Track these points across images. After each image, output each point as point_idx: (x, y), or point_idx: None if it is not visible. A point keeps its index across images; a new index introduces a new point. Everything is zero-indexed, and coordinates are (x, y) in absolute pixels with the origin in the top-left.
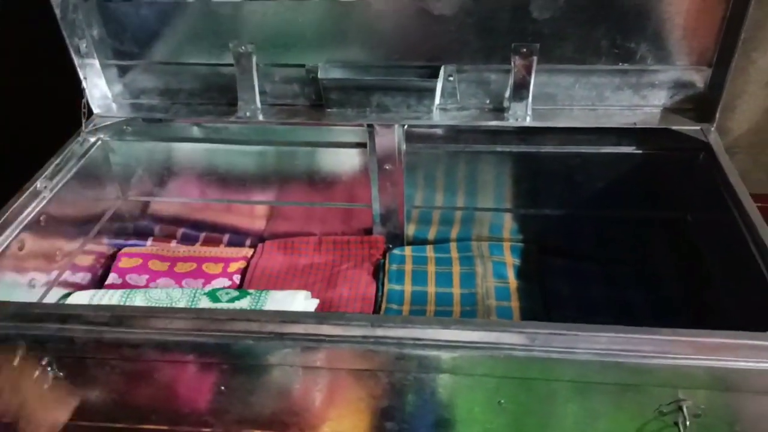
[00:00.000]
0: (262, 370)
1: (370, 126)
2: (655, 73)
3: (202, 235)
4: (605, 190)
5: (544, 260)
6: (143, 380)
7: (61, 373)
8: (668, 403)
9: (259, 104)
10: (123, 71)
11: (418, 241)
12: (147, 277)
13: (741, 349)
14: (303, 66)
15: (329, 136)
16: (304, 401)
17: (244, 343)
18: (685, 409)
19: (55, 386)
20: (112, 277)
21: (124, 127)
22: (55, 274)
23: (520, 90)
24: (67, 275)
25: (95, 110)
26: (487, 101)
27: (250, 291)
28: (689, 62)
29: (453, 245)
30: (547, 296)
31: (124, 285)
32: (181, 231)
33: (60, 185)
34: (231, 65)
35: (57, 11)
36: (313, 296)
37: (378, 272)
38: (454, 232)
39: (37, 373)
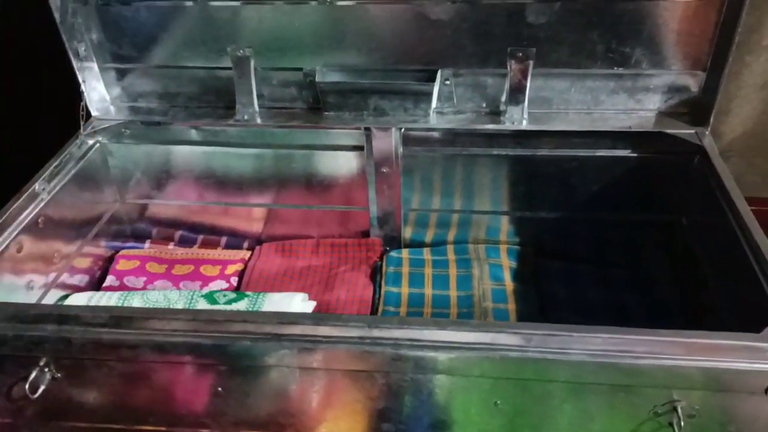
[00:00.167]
0: (260, 372)
1: (367, 129)
2: (650, 77)
3: (200, 237)
4: (601, 193)
5: (541, 263)
6: (141, 381)
7: (59, 375)
8: (663, 404)
9: (257, 107)
10: (121, 74)
11: (415, 244)
12: (144, 279)
13: (735, 350)
14: (300, 69)
15: (326, 139)
16: (301, 402)
17: (242, 344)
18: (679, 410)
19: (53, 387)
20: (109, 279)
21: (123, 130)
22: (53, 275)
23: (516, 94)
24: (65, 277)
25: (93, 113)
26: (484, 105)
27: (248, 293)
28: (684, 66)
29: (450, 248)
30: (544, 299)
31: (122, 287)
32: (178, 233)
33: (58, 188)
34: (229, 69)
35: (56, 15)
36: (310, 298)
37: (375, 275)
38: (451, 235)
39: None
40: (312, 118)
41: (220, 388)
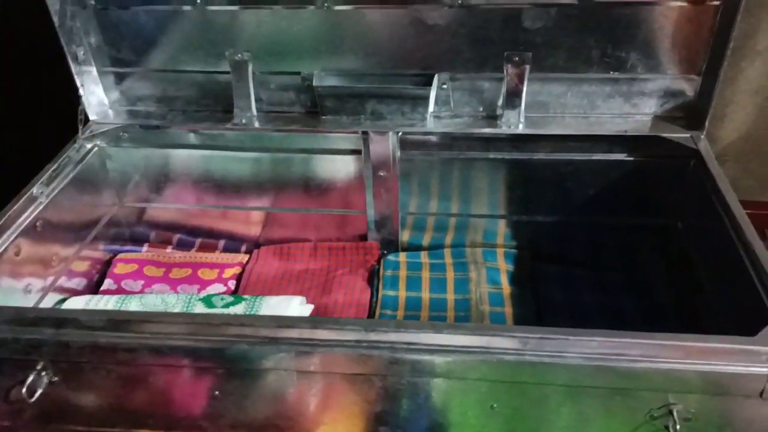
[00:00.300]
0: (257, 375)
1: (364, 133)
2: (646, 81)
3: (198, 241)
4: (597, 196)
5: (537, 266)
6: (138, 385)
7: (57, 378)
8: (659, 407)
9: (255, 111)
10: (120, 78)
11: (413, 248)
12: (142, 282)
13: (731, 354)
14: (298, 74)
15: (324, 143)
16: (299, 406)
17: (239, 347)
18: (675, 413)
19: (50, 391)
20: (107, 283)
21: (121, 133)
22: (51, 279)
23: (512, 98)
24: (63, 281)
25: (92, 117)
26: (481, 109)
27: (245, 296)
28: (679, 71)
29: (447, 251)
30: (540, 302)
31: (120, 291)
32: (176, 237)
33: (56, 191)
34: (227, 73)
35: (55, 19)
36: (308, 302)
37: (372, 278)
38: (448, 239)
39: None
40: (310, 122)
41: (217, 392)
